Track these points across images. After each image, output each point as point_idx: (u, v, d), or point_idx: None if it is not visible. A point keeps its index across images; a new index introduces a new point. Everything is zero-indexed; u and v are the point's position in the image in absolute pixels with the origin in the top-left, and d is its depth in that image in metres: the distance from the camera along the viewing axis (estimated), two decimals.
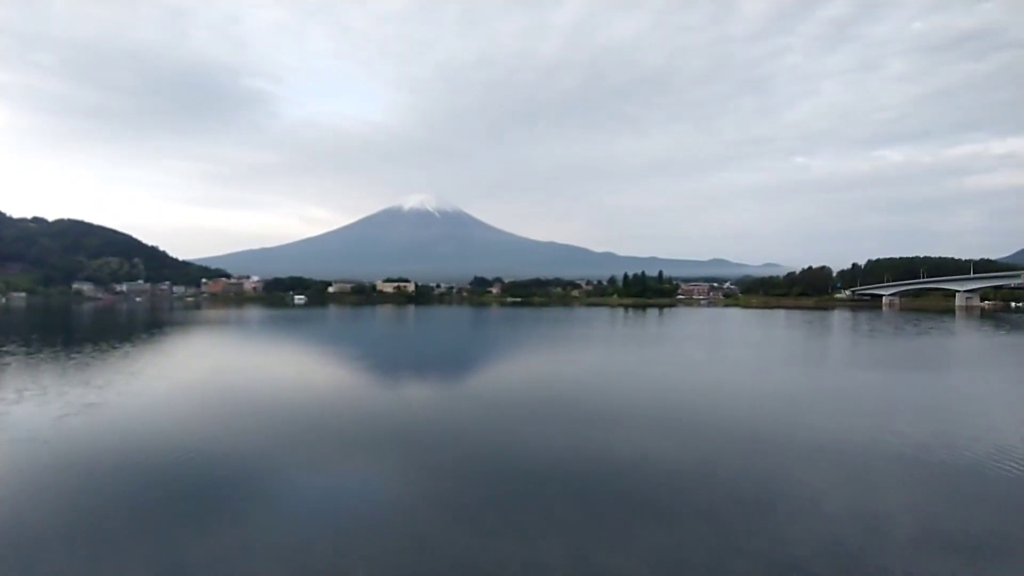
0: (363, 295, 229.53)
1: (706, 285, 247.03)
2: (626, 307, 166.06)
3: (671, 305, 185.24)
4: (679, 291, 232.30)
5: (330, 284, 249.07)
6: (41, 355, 39.77)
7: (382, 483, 14.98)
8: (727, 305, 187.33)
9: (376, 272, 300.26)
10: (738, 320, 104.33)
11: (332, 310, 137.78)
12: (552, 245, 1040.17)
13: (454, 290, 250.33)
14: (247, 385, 29.95)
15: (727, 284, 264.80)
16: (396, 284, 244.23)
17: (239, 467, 15.89)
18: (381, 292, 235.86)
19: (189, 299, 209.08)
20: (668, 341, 61.85)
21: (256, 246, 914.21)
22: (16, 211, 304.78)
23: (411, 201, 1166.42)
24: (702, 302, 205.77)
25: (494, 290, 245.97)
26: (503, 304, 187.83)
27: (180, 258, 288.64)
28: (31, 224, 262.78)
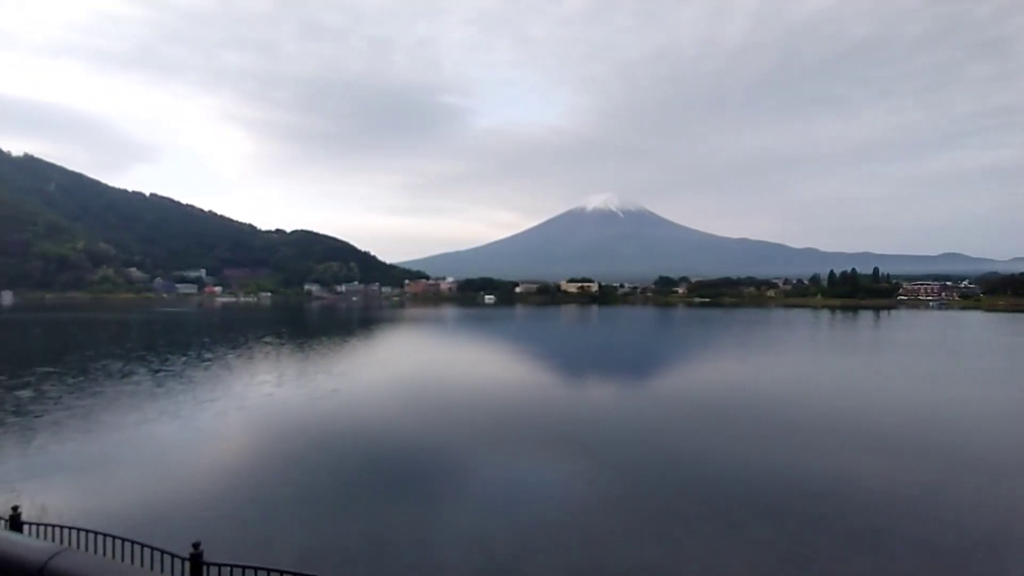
0: (548, 295, 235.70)
1: (936, 284, 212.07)
2: (832, 309, 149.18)
3: (890, 307, 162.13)
4: (900, 291, 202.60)
5: (517, 284, 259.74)
6: (291, 345, 47.50)
7: (564, 481, 15.19)
8: (964, 308, 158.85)
9: (560, 272, 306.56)
10: (980, 325, 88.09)
11: (519, 310, 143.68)
12: (744, 242, 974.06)
13: (638, 290, 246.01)
14: (446, 378, 32.42)
15: (964, 283, 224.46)
16: (580, 284, 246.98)
17: (436, 454, 17.23)
18: (565, 292, 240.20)
19: (395, 298, 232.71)
20: (888, 348, 54.27)
21: (451, 249, 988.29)
22: (263, 225, 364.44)
23: (594, 201, 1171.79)
24: (931, 304, 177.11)
25: (680, 290, 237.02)
26: (690, 304, 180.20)
27: (387, 261, 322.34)
28: (274, 235, 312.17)
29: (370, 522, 12.21)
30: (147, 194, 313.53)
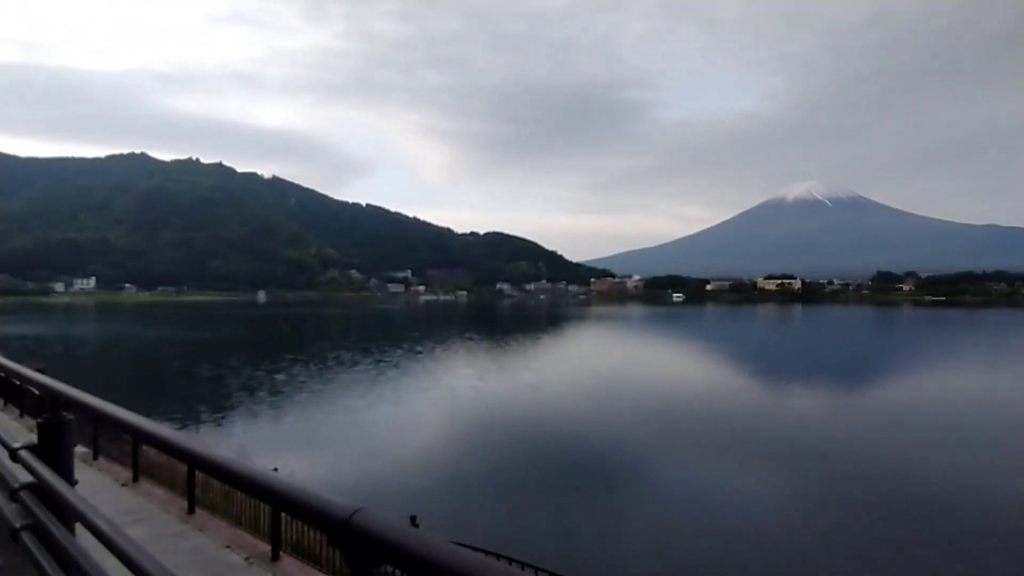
0: (742, 293, 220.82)
1: None
2: None
3: None
4: None
5: (707, 282, 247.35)
6: (489, 341, 50.85)
7: (762, 493, 14.15)
8: None
9: (756, 269, 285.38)
10: None
11: (710, 309, 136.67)
12: (991, 229, 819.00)
13: (850, 287, 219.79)
14: (637, 377, 32.10)
15: None
16: (779, 281, 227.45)
17: (625, 451, 17.15)
18: (762, 290, 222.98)
19: (581, 296, 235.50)
20: None
21: (636, 247, 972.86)
22: (459, 228, 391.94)
23: (795, 190, 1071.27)
24: None
25: (905, 287, 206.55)
26: (918, 304, 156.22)
27: (573, 260, 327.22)
28: (469, 237, 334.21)
29: (557, 511, 12.58)
30: (363, 204, 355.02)
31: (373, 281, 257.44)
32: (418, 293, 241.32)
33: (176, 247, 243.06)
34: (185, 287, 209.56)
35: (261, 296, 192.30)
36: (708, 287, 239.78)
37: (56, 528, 2.52)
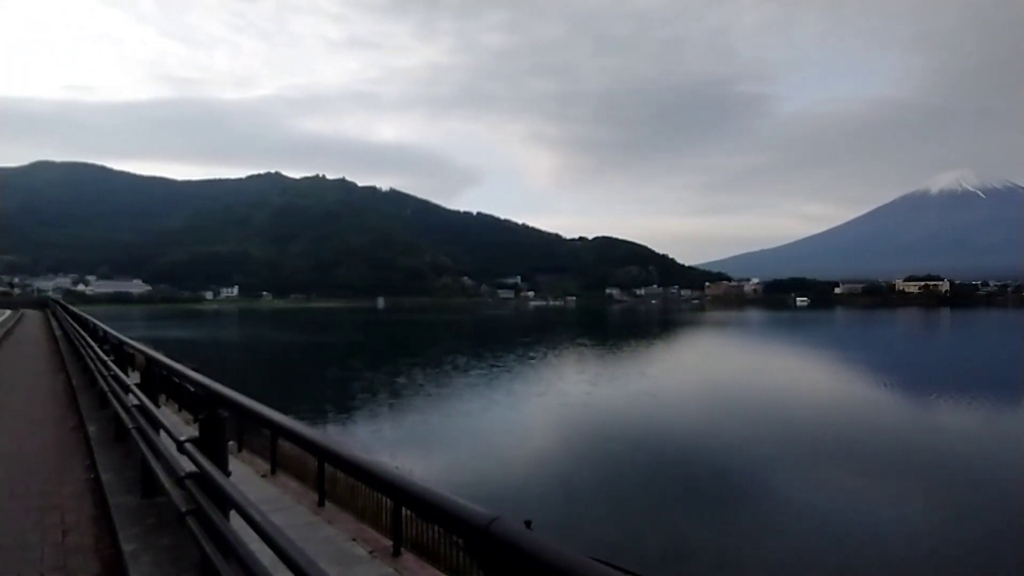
0: (878, 296, 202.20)
1: None
2: None
3: None
4: None
5: (836, 285, 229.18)
6: (601, 347, 50.41)
7: (894, 513, 12.76)
8: None
9: (893, 270, 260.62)
10: None
11: (840, 314, 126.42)
12: None
13: (1008, 288, 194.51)
14: (759, 386, 30.31)
15: None
16: (922, 283, 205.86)
17: (746, 466, 16.16)
18: (902, 293, 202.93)
19: (694, 301, 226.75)
20: None
21: (754, 248, 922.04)
22: (567, 233, 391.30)
23: (940, 181, 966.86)
24: None
25: None
26: None
27: (685, 264, 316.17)
28: (577, 243, 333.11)
29: (673, 524, 12.08)
30: (474, 213, 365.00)
31: (484, 287, 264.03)
32: (528, 299, 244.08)
33: (305, 257, 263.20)
34: (313, 294, 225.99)
35: (380, 302, 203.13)
36: (837, 290, 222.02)
37: (214, 513, 2.74)
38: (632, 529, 11.94)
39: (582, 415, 22.94)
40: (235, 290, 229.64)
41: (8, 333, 22.94)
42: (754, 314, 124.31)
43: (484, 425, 21.13)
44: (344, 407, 23.99)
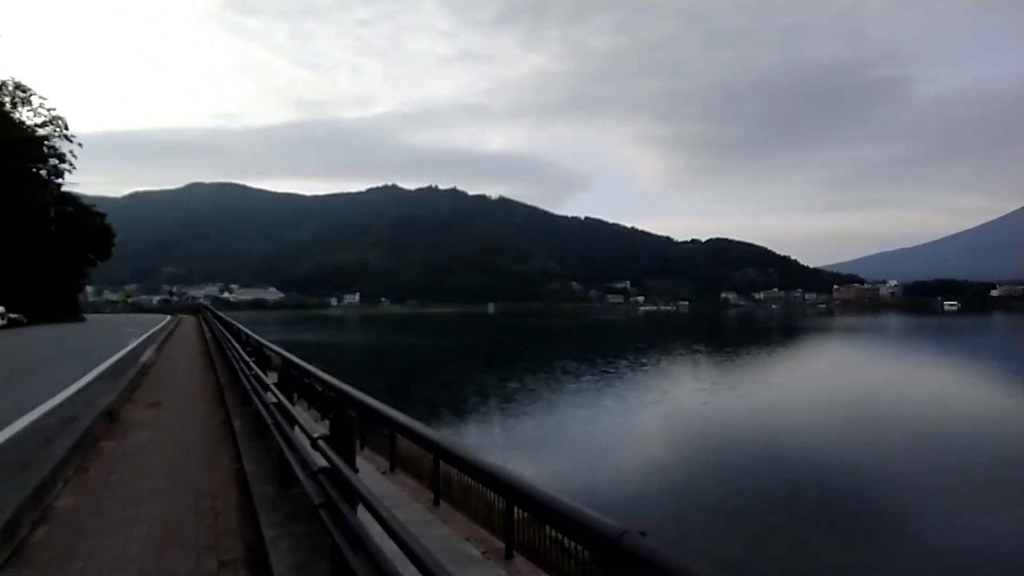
0: None
1: None
2: None
3: None
4: None
5: (993, 287, 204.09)
6: (719, 354, 48.47)
7: None
8: None
9: None
10: None
11: (998, 319, 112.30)
12: None
13: None
14: (901, 400, 27.63)
15: None
16: None
17: (882, 484, 14.74)
18: None
19: (820, 306, 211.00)
20: None
21: (891, 247, 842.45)
22: (679, 236, 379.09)
23: None
24: None
25: None
26: None
27: (809, 265, 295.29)
28: (689, 245, 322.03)
29: (798, 541, 11.25)
30: (582, 218, 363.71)
31: (592, 292, 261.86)
32: (638, 304, 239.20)
33: (419, 265, 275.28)
34: (427, 300, 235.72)
35: (490, 308, 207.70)
36: (994, 292, 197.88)
37: (344, 507, 2.94)
38: (754, 546, 11.28)
39: (699, 425, 22.05)
40: (356, 297, 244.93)
41: (169, 336, 25.91)
42: (893, 320, 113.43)
43: (595, 432, 20.91)
44: (456, 409, 24.72)
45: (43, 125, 49.84)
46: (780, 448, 18.62)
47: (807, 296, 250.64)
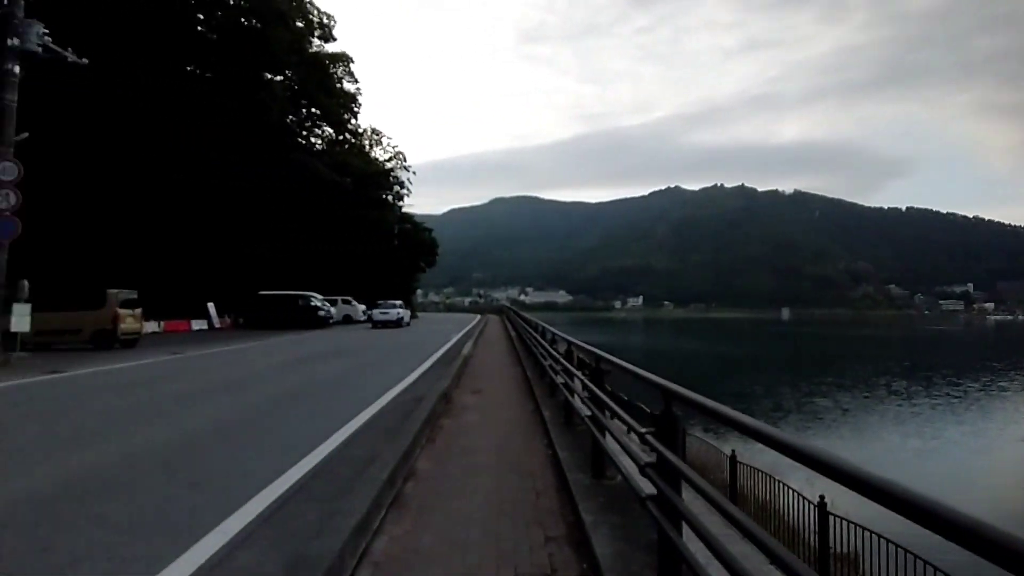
0: None
1: None
2: None
3: None
4: None
5: None
6: None
7: None
8: None
9: None
10: None
11: None
12: None
13: None
14: None
15: None
16: None
17: None
18: None
19: None
20: None
21: None
22: None
23: None
24: None
25: None
26: None
27: None
28: None
29: None
30: (903, 208, 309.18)
31: (919, 297, 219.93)
32: (985, 311, 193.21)
33: (704, 268, 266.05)
34: (713, 303, 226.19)
35: (784, 313, 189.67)
36: None
37: (678, 501, 2.91)
38: None
39: None
40: (639, 299, 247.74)
41: (480, 333, 29.60)
42: None
43: (939, 468, 17.27)
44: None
45: (390, 159, 62.24)
46: None
47: None
